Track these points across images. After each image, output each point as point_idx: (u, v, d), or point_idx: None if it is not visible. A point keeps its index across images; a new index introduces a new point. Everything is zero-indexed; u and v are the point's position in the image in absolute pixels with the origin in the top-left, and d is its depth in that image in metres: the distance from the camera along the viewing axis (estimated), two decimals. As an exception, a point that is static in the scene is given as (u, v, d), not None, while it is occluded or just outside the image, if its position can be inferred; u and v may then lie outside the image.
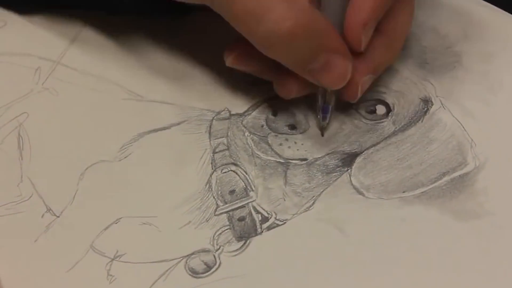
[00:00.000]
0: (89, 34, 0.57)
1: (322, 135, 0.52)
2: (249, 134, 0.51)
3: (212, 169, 0.50)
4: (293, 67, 0.48)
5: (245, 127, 0.52)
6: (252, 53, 0.48)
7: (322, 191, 0.48)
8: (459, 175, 0.49)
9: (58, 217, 0.48)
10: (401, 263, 0.45)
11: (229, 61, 0.51)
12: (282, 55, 0.47)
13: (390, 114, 0.52)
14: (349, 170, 0.50)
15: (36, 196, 0.49)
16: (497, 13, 0.58)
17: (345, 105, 0.52)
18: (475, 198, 0.48)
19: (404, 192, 0.48)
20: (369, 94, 0.53)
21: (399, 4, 0.49)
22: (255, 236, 0.47)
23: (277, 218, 0.47)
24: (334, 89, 0.49)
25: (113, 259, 0.46)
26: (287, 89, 0.51)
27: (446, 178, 0.49)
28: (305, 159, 0.50)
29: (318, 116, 0.51)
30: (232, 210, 0.48)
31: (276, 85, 0.51)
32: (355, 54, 0.48)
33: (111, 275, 0.45)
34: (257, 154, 0.50)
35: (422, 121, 0.52)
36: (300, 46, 0.46)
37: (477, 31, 0.57)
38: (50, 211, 0.48)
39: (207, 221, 0.47)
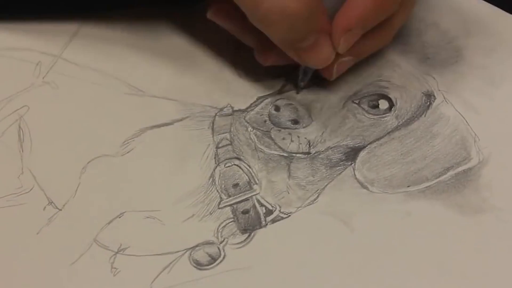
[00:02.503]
0: (90, 28, 0.57)
1: (297, 93, 0.53)
2: (252, 129, 0.51)
3: (216, 163, 0.49)
4: (281, 44, 0.48)
5: (248, 123, 0.51)
6: (233, 10, 0.48)
7: (326, 185, 0.48)
8: (463, 170, 0.49)
9: (61, 210, 0.47)
10: (406, 257, 0.45)
11: (210, 13, 0.51)
12: (276, 32, 0.47)
13: (393, 109, 0.52)
14: (352, 164, 0.49)
15: (37, 188, 0.48)
16: (494, 12, 0.58)
17: (347, 99, 0.52)
18: (480, 193, 0.48)
19: (408, 186, 0.48)
20: (372, 89, 0.53)
21: None
22: (259, 228, 0.47)
23: (282, 211, 0.47)
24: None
25: (116, 252, 0.46)
26: (265, 57, 0.51)
27: (451, 172, 0.49)
28: (308, 153, 0.50)
29: (299, 78, 0.52)
30: (236, 203, 0.48)
31: (256, 51, 0.52)
32: None
33: (115, 268, 0.45)
34: (260, 148, 0.50)
35: (425, 116, 0.52)
36: (297, 27, 0.46)
37: (478, 26, 0.57)
38: (52, 204, 0.48)
39: (211, 214, 0.47)
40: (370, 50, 0.52)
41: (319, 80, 0.53)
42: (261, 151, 0.50)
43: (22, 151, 0.50)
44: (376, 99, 0.52)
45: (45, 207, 0.48)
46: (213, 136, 0.51)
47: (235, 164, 0.49)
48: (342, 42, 0.48)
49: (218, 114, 0.52)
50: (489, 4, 0.58)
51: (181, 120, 0.52)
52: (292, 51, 0.48)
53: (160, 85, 0.54)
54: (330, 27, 0.48)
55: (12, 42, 0.56)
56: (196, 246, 0.46)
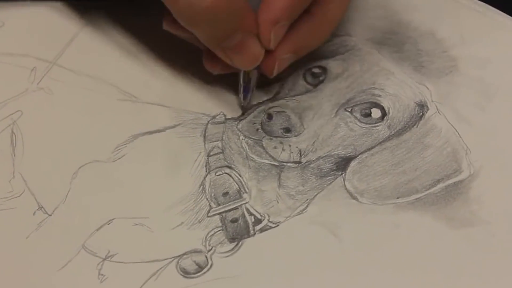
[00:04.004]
0: (85, 35, 0.57)
1: (242, 114, 0.52)
2: (244, 138, 0.51)
3: (206, 171, 0.50)
4: (207, 43, 0.48)
5: (240, 131, 0.51)
6: None
7: (316, 195, 0.48)
8: (454, 182, 0.49)
9: (50, 215, 0.48)
10: (394, 269, 0.45)
11: (165, 24, 0.51)
12: (198, 29, 0.47)
13: (385, 118, 0.52)
14: (343, 174, 0.49)
15: (28, 193, 0.49)
16: (494, 17, 0.58)
17: (339, 107, 0.52)
18: (469, 206, 0.48)
19: (398, 198, 0.48)
20: (365, 97, 0.53)
21: None
22: (247, 237, 0.47)
23: (270, 220, 0.47)
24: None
25: (104, 259, 0.46)
26: (211, 64, 0.51)
27: (441, 185, 0.49)
28: (299, 162, 0.50)
29: (240, 96, 0.52)
30: (225, 211, 0.48)
31: (204, 59, 0.52)
32: None
33: (102, 275, 0.45)
34: (252, 157, 0.50)
35: (417, 126, 0.51)
36: (217, 22, 0.46)
37: (474, 36, 0.56)
38: (42, 209, 0.48)
39: (200, 222, 0.47)
40: (308, 46, 0.51)
41: (314, 88, 0.53)
42: (252, 160, 0.50)
43: (14, 155, 0.50)
44: (369, 108, 0.52)
45: (35, 212, 0.48)
46: (204, 144, 0.51)
47: (225, 173, 0.49)
48: (272, 37, 0.48)
49: (210, 121, 0.52)
50: (488, 8, 0.58)
51: (173, 127, 0.52)
52: (219, 51, 0.48)
53: (154, 91, 0.54)
54: (255, 26, 0.47)
55: (7, 48, 0.56)
56: (184, 254, 0.46)
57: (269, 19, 0.47)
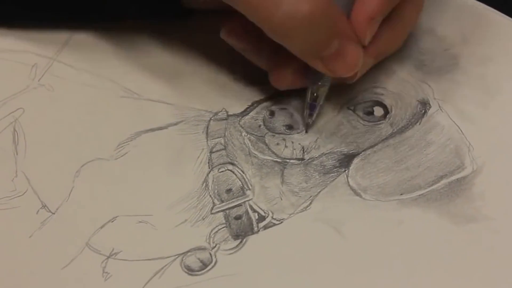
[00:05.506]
0: (86, 31, 0.57)
1: (306, 131, 0.51)
2: (246, 134, 0.51)
3: (209, 168, 0.49)
4: (305, 55, 0.47)
5: (242, 127, 0.51)
6: (248, 29, 0.48)
7: (320, 191, 0.48)
8: (457, 179, 0.49)
9: (54, 213, 0.47)
10: (398, 266, 0.45)
11: (223, 33, 0.50)
12: (297, 41, 0.46)
13: (388, 116, 0.52)
14: (346, 171, 0.49)
15: (31, 192, 0.48)
16: (495, 16, 0.58)
17: (342, 106, 0.52)
18: (473, 202, 0.48)
19: (401, 194, 0.48)
20: (367, 96, 0.53)
21: None
22: (251, 234, 0.47)
23: (274, 217, 0.47)
24: (332, 80, 0.50)
25: (108, 257, 0.46)
26: (282, 79, 0.50)
27: (444, 181, 0.49)
28: (302, 159, 0.50)
29: (305, 113, 0.51)
30: (229, 208, 0.48)
31: (271, 74, 0.51)
32: None
33: (106, 273, 0.45)
34: (254, 153, 0.50)
35: (419, 124, 0.51)
36: (316, 31, 0.45)
37: (476, 33, 0.56)
38: (45, 207, 0.48)
39: (203, 219, 0.47)
40: (387, 51, 0.52)
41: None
42: (255, 157, 0.50)
43: (17, 154, 0.50)
44: (371, 106, 0.52)
45: (38, 211, 0.48)
46: (207, 141, 0.51)
47: (228, 169, 0.49)
48: (368, 33, 0.47)
49: (212, 118, 0.52)
50: (488, 8, 0.58)
51: (176, 124, 0.52)
52: (318, 62, 0.47)
53: (156, 88, 0.54)
54: (353, 32, 0.47)
55: (8, 45, 0.56)
56: (188, 251, 0.46)
57: (365, 16, 0.46)
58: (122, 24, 0.56)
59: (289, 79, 0.50)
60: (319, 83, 0.50)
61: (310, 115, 0.51)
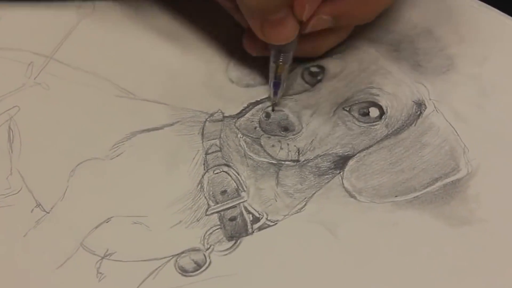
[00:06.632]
0: (82, 30, 0.57)
1: (273, 110, 0.52)
2: (241, 136, 0.51)
3: (204, 170, 0.49)
4: (251, 13, 0.48)
5: (238, 129, 0.51)
6: None
7: (314, 193, 0.48)
8: (452, 181, 0.49)
9: (48, 213, 0.47)
10: (392, 268, 0.45)
11: None
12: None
13: (383, 117, 0.52)
14: (341, 173, 0.49)
15: (26, 190, 0.49)
16: (492, 15, 0.58)
17: (338, 106, 0.52)
18: (467, 204, 0.48)
19: (396, 196, 0.48)
20: (363, 96, 0.53)
21: None
22: (245, 236, 0.47)
23: (268, 218, 0.47)
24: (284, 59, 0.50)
25: (103, 258, 0.46)
26: (251, 44, 0.51)
27: (439, 183, 0.49)
28: (297, 161, 0.50)
29: (270, 91, 0.52)
30: (223, 210, 0.48)
31: (244, 38, 0.52)
32: None
33: (100, 273, 0.45)
34: (250, 155, 0.50)
35: (415, 125, 0.51)
36: None
37: (471, 34, 0.56)
38: (40, 206, 0.48)
39: (198, 220, 0.47)
40: (351, 16, 0.50)
41: (312, 87, 0.53)
42: (250, 158, 0.50)
43: (12, 152, 0.50)
44: (367, 107, 0.52)
45: (32, 209, 0.48)
46: (202, 142, 0.51)
47: (223, 171, 0.49)
48: (306, 8, 0.47)
49: (208, 119, 0.52)
50: (486, 6, 0.58)
51: (171, 124, 0.52)
52: (258, 24, 0.48)
53: (151, 88, 0.53)
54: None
55: (4, 42, 0.56)
56: (182, 252, 0.46)
57: None
58: (117, 21, 0.56)
59: (259, 44, 0.50)
60: (280, 61, 0.50)
61: (275, 93, 0.52)
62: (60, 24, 0.57)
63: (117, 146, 0.50)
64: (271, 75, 0.51)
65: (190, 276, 0.45)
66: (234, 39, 0.54)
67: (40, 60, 0.55)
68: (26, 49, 0.55)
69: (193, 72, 0.54)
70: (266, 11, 0.47)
